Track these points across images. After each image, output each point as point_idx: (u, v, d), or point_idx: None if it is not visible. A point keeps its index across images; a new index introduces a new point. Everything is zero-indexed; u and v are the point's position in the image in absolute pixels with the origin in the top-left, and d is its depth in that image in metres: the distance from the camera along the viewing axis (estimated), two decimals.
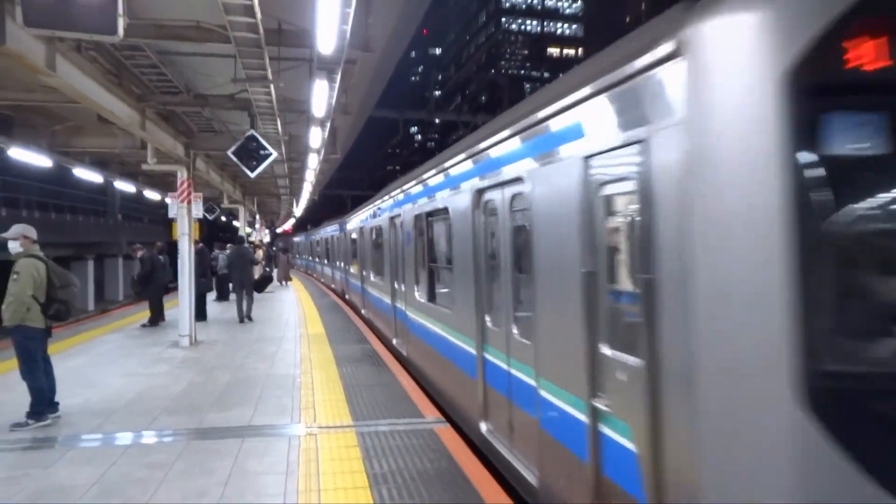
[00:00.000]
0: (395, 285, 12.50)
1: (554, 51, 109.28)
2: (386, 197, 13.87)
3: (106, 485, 5.72)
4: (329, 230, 31.77)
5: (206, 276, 17.98)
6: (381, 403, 8.38)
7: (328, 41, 7.02)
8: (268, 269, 30.70)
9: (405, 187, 11.33)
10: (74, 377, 10.04)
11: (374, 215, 15.44)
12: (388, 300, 13.43)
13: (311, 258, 47.12)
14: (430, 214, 9.52)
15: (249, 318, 16.96)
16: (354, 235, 20.19)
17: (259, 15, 6.60)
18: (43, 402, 7.63)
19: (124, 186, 23.43)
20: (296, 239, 65.46)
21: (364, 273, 17.99)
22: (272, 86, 9.34)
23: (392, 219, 12.72)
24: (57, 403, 7.86)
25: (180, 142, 13.61)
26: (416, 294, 10.35)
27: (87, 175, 18.78)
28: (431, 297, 9.70)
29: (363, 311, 18.59)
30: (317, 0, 5.92)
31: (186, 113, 14.00)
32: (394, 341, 12.77)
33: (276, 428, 7.39)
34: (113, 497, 5.46)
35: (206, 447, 6.72)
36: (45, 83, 8.00)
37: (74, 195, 32.65)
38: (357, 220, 19.73)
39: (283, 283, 32.08)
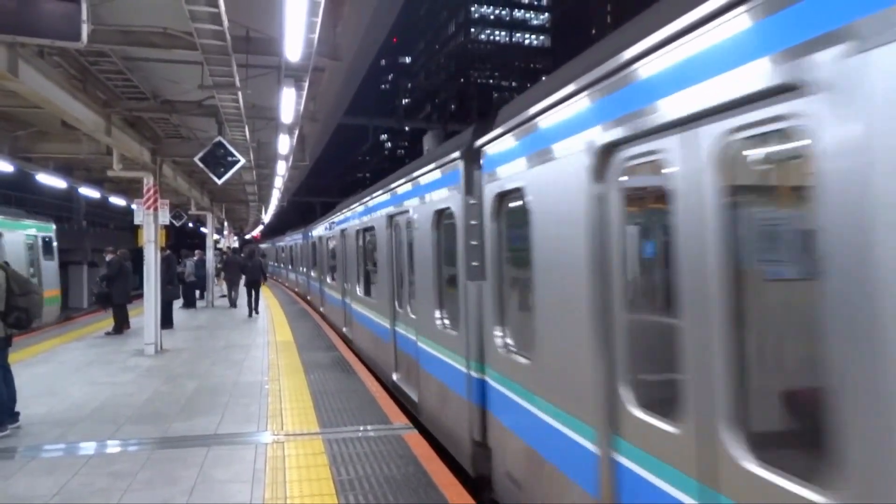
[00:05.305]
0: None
1: (522, 61, 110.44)
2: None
3: (67, 495, 5.65)
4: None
5: (173, 284, 17.80)
6: (349, 410, 8.38)
7: (295, 49, 7.03)
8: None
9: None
10: (37, 386, 9.88)
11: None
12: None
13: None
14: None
15: (256, 312, 20.90)
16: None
17: (226, 23, 6.58)
18: (2, 412, 7.50)
19: (89, 192, 23.09)
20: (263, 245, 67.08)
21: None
22: (240, 93, 9.31)
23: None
24: (17, 413, 7.73)
25: (147, 148, 13.47)
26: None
27: (51, 181, 18.48)
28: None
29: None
30: (284, 9, 5.94)
31: (153, 119, 13.84)
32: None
33: (243, 436, 7.35)
34: None
35: (172, 456, 6.67)
36: (7, 88, 7.89)
37: (37, 201, 32.06)
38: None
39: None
